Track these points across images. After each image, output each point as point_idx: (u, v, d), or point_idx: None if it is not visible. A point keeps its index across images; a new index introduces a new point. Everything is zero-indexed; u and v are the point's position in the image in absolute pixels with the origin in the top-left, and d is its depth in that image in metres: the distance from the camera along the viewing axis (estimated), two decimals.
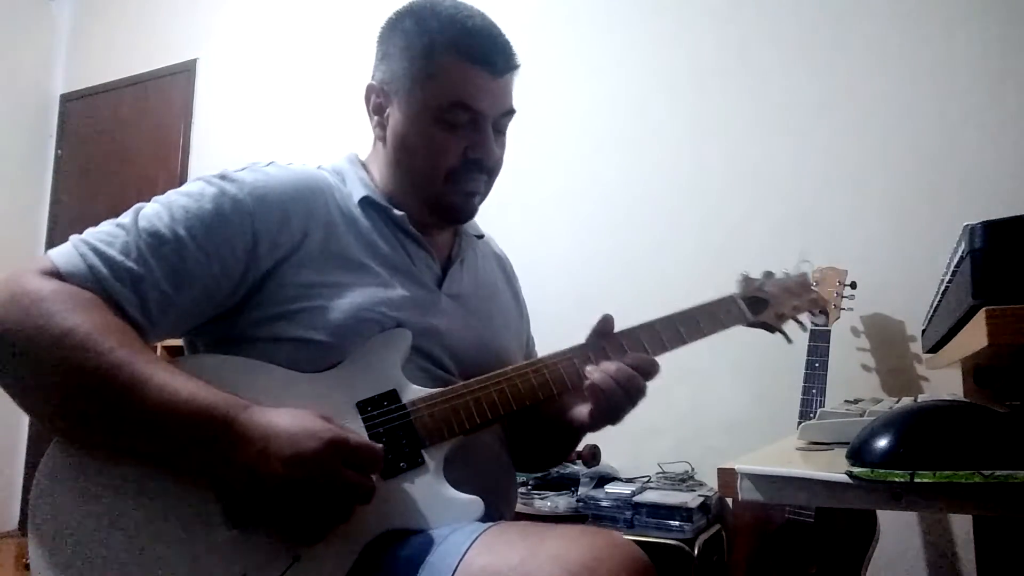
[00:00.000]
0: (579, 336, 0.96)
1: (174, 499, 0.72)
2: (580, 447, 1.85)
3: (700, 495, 1.98)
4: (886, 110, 2.11)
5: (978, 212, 0.75)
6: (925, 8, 2.09)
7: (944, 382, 1.81)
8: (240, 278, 0.82)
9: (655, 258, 2.41)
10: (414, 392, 0.84)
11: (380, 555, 0.75)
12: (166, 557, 0.70)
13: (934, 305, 1.08)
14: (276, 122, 3.33)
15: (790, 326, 1.14)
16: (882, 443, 0.63)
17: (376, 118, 0.97)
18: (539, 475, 2.12)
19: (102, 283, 0.75)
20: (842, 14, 2.21)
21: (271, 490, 0.69)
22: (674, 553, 1.83)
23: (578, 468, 2.13)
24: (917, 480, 0.58)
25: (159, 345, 2.32)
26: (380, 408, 0.82)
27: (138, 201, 0.83)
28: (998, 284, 0.63)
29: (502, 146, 0.97)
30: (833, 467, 0.65)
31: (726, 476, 0.70)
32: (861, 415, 0.86)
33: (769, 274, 1.14)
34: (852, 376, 2.02)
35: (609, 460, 2.22)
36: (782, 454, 0.80)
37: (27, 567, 0.71)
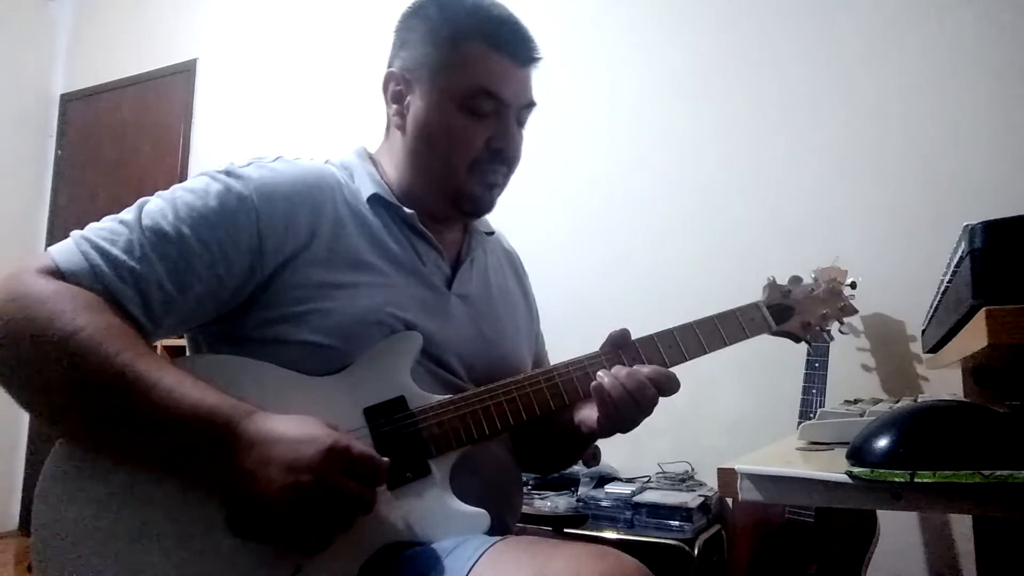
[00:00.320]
0: (582, 338, 0.95)
1: (178, 505, 0.71)
2: None
3: (700, 495, 1.98)
4: (886, 110, 2.11)
5: (978, 212, 0.74)
6: (925, 8, 2.09)
7: (944, 382, 1.81)
8: (245, 277, 0.80)
9: (656, 258, 2.41)
10: (422, 399, 0.82)
11: (383, 568, 0.74)
12: (168, 563, 0.69)
13: (934, 305, 1.08)
14: (276, 122, 3.33)
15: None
16: (882, 443, 0.63)
17: (395, 106, 0.94)
18: (539, 475, 2.12)
19: (104, 282, 0.73)
20: (843, 14, 2.21)
21: (270, 497, 0.68)
22: (674, 553, 1.82)
23: (578, 468, 2.13)
24: (917, 480, 0.58)
25: (159, 345, 2.33)
26: (387, 416, 0.80)
27: (144, 197, 0.81)
28: (998, 284, 0.63)
29: (521, 139, 0.95)
30: (833, 467, 0.65)
31: (726, 476, 0.70)
32: (861, 415, 0.86)
33: (796, 279, 1.09)
34: (852, 376, 2.02)
35: (609, 460, 2.22)
36: (782, 454, 0.79)
37: (29, 569, 0.71)
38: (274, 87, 3.37)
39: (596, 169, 2.58)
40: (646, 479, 2.17)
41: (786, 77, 2.28)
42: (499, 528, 0.84)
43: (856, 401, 1.10)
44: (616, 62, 2.59)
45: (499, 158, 0.92)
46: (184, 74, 3.67)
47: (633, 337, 0.93)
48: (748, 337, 0.99)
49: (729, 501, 2.06)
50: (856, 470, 0.62)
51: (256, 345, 0.80)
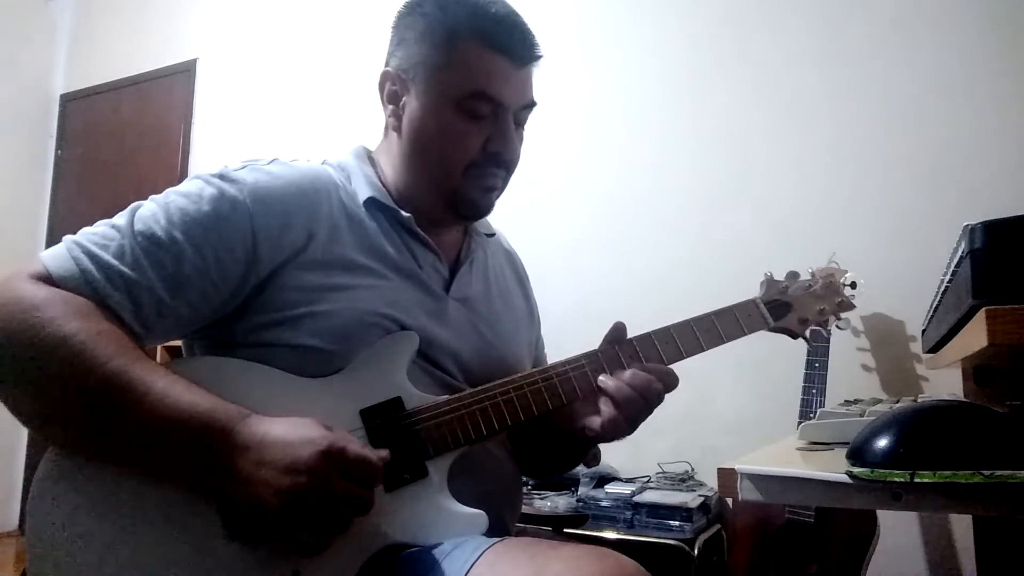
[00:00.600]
0: (582, 339, 0.94)
1: (173, 510, 0.71)
2: None
3: (700, 495, 1.98)
4: (886, 110, 2.11)
5: (978, 212, 0.74)
6: (926, 7, 2.10)
7: (944, 382, 1.81)
8: (239, 282, 0.79)
9: (656, 259, 2.41)
10: (419, 400, 0.81)
11: (382, 570, 0.74)
12: (164, 567, 0.69)
13: (934, 305, 1.08)
14: (276, 122, 3.33)
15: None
16: (882, 443, 0.63)
17: (391, 107, 0.92)
18: None
19: (95, 288, 0.72)
20: (843, 14, 2.21)
21: (267, 500, 0.67)
22: (674, 553, 1.82)
23: (578, 468, 2.12)
24: (917, 480, 0.58)
25: (159, 347, 2.33)
26: (384, 417, 0.79)
27: (137, 201, 0.80)
28: (998, 284, 0.63)
29: (520, 140, 0.93)
30: (833, 467, 0.65)
31: (726, 476, 0.70)
32: (861, 415, 0.86)
33: (794, 275, 1.08)
34: (852, 376, 2.02)
35: (609, 460, 2.22)
36: (782, 454, 0.79)
37: (24, 575, 0.71)
38: (274, 87, 3.37)
39: (596, 169, 2.58)
40: (646, 479, 2.17)
41: (787, 78, 2.28)
42: (498, 529, 0.84)
43: (856, 401, 1.10)
44: (616, 62, 2.59)
45: (496, 161, 0.90)
46: (184, 74, 3.67)
47: (629, 334, 0.92)
48: (746, 334, 0.98)
49: (729, 501, 2.06)
50: (856, 470, 0.62)
51: (251, 349, 0.79)
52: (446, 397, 0.83)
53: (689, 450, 2.21)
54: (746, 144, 2.32)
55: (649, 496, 1.98)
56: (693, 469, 2.18)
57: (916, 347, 1.97)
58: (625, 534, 1.90)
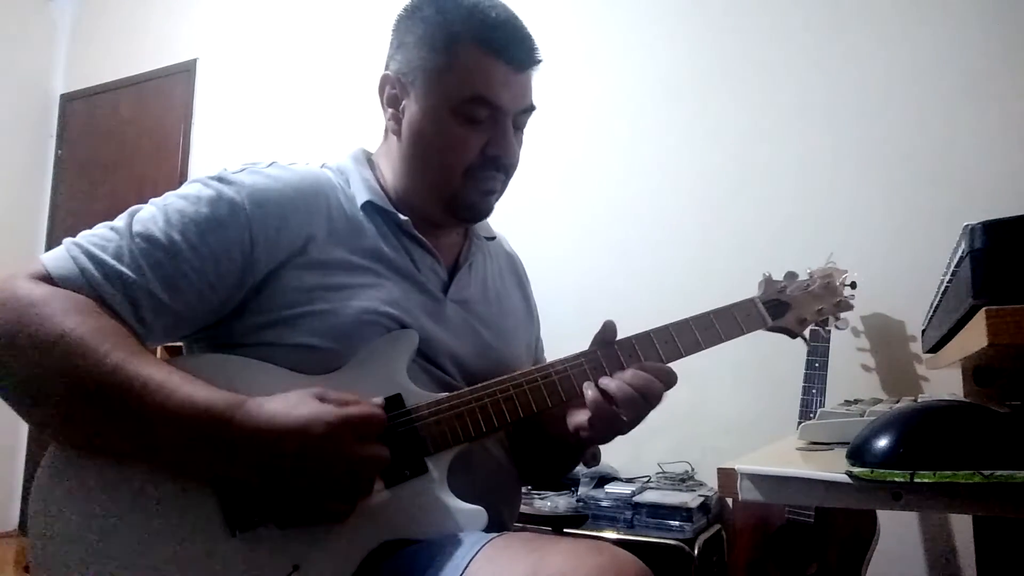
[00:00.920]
0: (582, 339, 0.94)
1: (174, 504, 0.71)
2: None
3: (700, 495, 1.98)
4: (886, 110, 2.11)
5: (978, 212, 0.74)
6: (926, 8, 2.10)
7: (944, 382, 1.81)
8: (237, 283, 0.79)
9: (656, 259, 2.41)
10: (419, 397, 0.82)
11: (380, 565, 0.74)
12: (165, 562, 0.69)
13: (934, 305, 1.08)
14: (276, 122, 3.33)
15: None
16: (882, 443, 0.63)
17: (390, 110, 0.93)
18: None
19: (94, 287, 0.73)
20: (842, 15, 2.21)
21: (294, 482, 0.69)
22: (674, 553, 1.83)
23: (578, 468, 2.12)
24: (917, 480, 0.58)
25: (158, 347, 2.33)
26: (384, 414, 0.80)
27: (138, 202, 0.81)
28: (998, 284, 0.63)
29: (519, 143, 0.94)
30: (833, 467, 0.65)
31: (726, 476, 0.70)
32: (861, 415, 0.86)
33: (792, 275, 1.08)
34: (852, 376, 2.02)
35: (609, 460, 2.22)
36: (782, 454, 0.79)
37: (27, 569, 0.71)
38: (274, 87, 3.37)
39: (597, 170, 2.58)
40: (646, 479, 2.17)
41: (786, 78, 2.28)
42: (497, 526, 0.84)
43: (856, 401, 1.10)
44: (617, 63, 2.59)
45: (495, 165, 0.90)
46: (184, 74, 3.67)
47: (629, 334, 0.92)
48: (744, 333, 0.98)
49: (729, 501, 2.06)
50: (856, 470, 0.61)
51: (250, 349, 0.80)
52: (446, 394, 0.83)
53: (689, 450, 2.21)
54: (746, 144, 2.32)
55: (649, 496, 1.98)
56: (693, 469, 2.18)
57: (916, 347, 1.97)
58: (625, 534, 1.90)
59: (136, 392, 0.68)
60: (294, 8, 3.38)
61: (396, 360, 0.83)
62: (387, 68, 0.94)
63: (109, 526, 0.70)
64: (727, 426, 2.18)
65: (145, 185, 3.58)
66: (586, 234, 2.55)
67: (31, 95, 4.02)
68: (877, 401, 1.05)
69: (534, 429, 0.98)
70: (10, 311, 0.69)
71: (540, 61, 0.91)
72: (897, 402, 0.98)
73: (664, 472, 2.19)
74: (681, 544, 1.83)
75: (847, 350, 2.02)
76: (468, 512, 0.79)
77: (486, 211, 0.95)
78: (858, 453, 0.65)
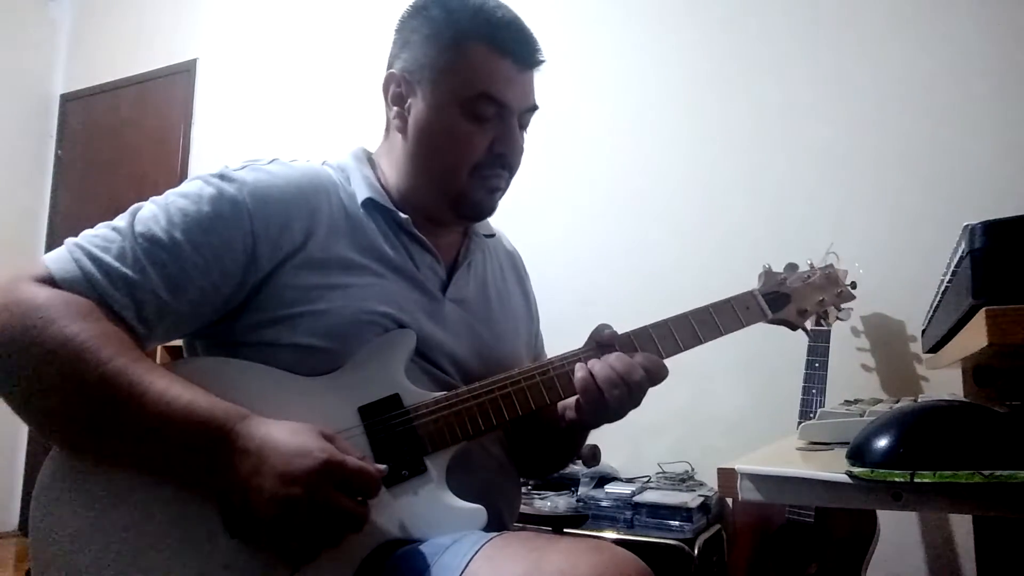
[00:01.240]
0: (582, 337, 0.94)
1: (174, 507, 0.71)
2: None
3: (700, 495, 1.98)
4: (886, 110, 2.11)
5: (978, 212, 0.74)
6: (925, 8, 2.10)
7: (944, 382, 1.81)
8: (240, 281, 0.79)
9: (656, 258, 2.41)
10: (417, 396, 0.82)
11: (380, 566, 0.74)
12: (165, 564, 0.69)
13: (934, 305, 1.08)
14: (276, 122, 3.33)
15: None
16: (882, 443, 0.63)
17: (396, 108, 0.93)
18: None
19: (97, 289, 0.73)
20: (841, 14, 2.21)
21: (260, 506, 0.67)
22: (674, 553, 1.83)
23: (578, 468, 2.13)
24: (917, 480, 0.58)
25: (160, 347, 2.33)
26: (382, 414, 0.80)
27: (138, 201, 0.81)
28: (998, 284, 0.63)
29: (523, 143, 0.94)
30: (833, 467, 0.65)
31: (726, 476, 0.70)
32: (861, 415, 0.86)
33: (792, 267, 1.07)
34: (852, 376, 2.02)
35: (609, 460, 2.22)
36: (782, 454, 0.79)
37: (28, 574, 0.71)
38: (274, 87, 3.37)
39: (597, 169, 2.58)
40: (646, 479, 2.17)
41: (786, 78, 2.28)
42: (496, 525, 0.84)
43: (856, 401, 1.10)
44: (617, 63, 2.59)
45: (501, 162, 0.91)
46: (184, 74, 3.67)
47: (627, 329, 0.92)
48: (744, 326, 0.98)
49: (729, 501, 2.06)
50: (856, 470, 0.61)
51: (250, 349, 0.80)
52: (444, 393, 0.83)
53: (689, 450, 2.21)
54: (745, 144, 2.32)
55: (649, 496, 1.98)
56: (693, 469, 2.18)
57: (916, 347, 1.97)
58: (625, 534, 1.90)
59: (138, 399, 0.69)
60: (294, 8, 3.38)
61: (394, 359, 0.83)
62: (392, 66, 0.94)
63: (110, 527, 0.70)
64: (727, 426, 2.18)
65: (145, 185, 3.57)
66: (585, 229, 2.55)
67: (31, 95, 4.02)
68: (877, 401, 1.05)
69: (531, 420, 0.98)
70: (13, 315, 0.69)
71: (544, 61, 0.92)
72: (897, 402, 0.98)
73: (664, 472, 2.19)
74: (681, 544, 1.83)
75: (847, 350, 2.02)
76: (468, 511, 0.79)
77: (491, 209, 0.95)
78: (858, 453, 0.65)
